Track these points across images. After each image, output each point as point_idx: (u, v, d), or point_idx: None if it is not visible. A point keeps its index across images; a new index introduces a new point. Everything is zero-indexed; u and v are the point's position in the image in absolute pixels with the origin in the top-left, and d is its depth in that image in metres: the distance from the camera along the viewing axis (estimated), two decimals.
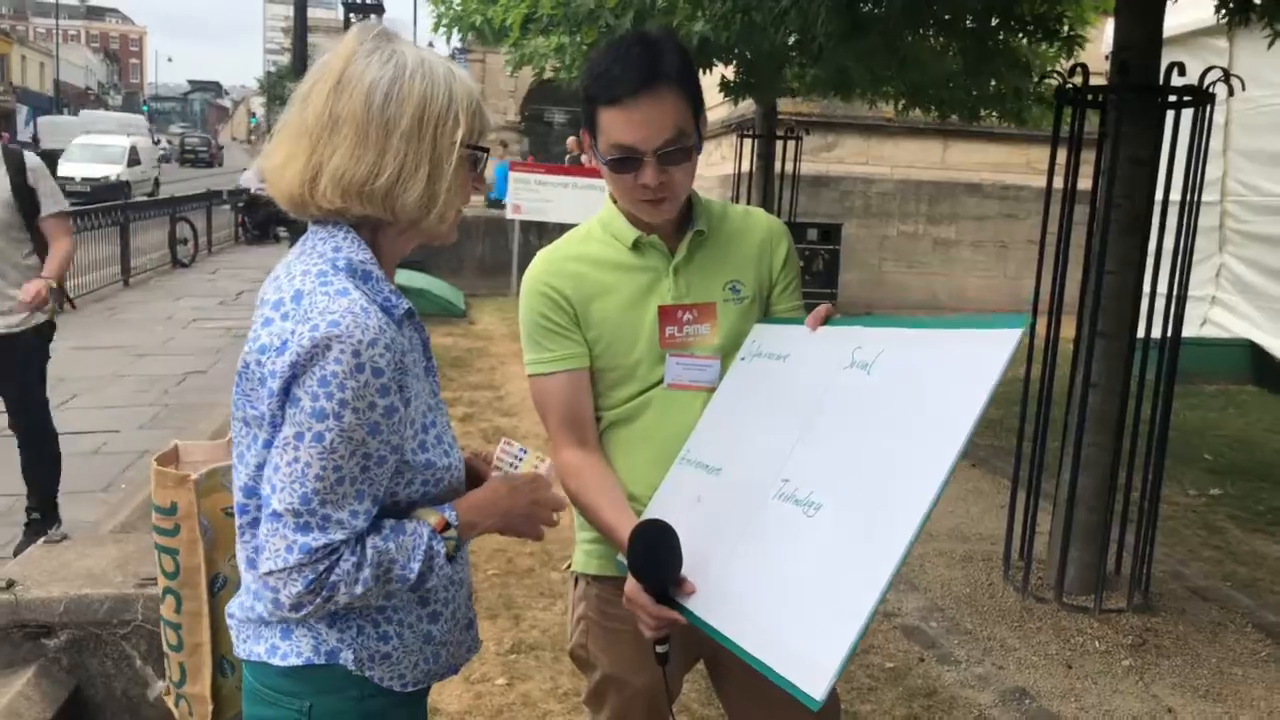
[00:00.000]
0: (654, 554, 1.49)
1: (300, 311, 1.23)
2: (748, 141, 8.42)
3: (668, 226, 1.77)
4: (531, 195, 12.51)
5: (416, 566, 1.30)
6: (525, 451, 1.52)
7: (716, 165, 13.87)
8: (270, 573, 1.25)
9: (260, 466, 1.29)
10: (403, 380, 1.27)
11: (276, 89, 58.93)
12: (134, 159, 27.01)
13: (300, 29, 13.23)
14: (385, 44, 1.33)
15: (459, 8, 6.41)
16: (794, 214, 8.81)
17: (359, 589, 1.26)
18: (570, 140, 18.23)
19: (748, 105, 9.32)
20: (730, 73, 7.37)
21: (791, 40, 5.69)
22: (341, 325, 1.20)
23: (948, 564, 4.49)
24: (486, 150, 1.38)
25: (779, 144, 8.45)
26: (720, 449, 1.70)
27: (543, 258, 1.80)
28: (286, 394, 1.22)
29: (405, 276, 11.41)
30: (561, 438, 1.77)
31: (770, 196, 8.34)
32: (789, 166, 8.67)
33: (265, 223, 17.63)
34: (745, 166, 8.61)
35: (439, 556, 1.32)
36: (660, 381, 1.77)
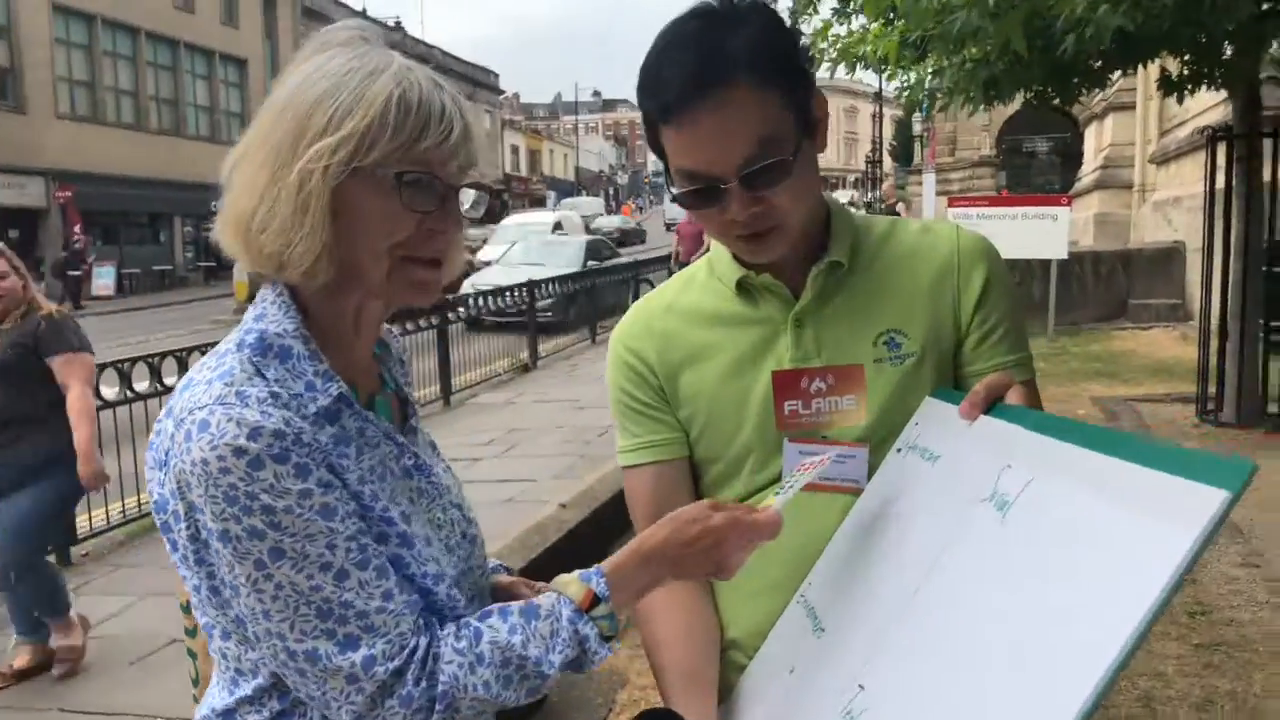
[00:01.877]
0: None
1: (179, 406, 1.00)
2: (1219, 151, 6.82)
3: (790, 259, 1.28)
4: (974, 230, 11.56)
5: (558, 659, 1.01)
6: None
7: (1194, 183, 11.64)
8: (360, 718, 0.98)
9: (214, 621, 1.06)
10: (330, 464, 0.99)
11: None
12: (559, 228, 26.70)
13: None
14: (334, 49, 1.05)
15: (834, 43, 6.00)
16: None
17: (479, 692, 0.98)
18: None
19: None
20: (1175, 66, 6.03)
21: (1265, 7, 4.42)
22: (211, 424, 0.95)
23: None
24: (395, 177, 1.01)
25: (1268, 146, 6.73)
26: (836, 595, 1.16)
27: (631, 311, 1.40)
28: (194, 521, 0.99)
29: None
30: None
31: (1258, 213, 6.65)
32: None
33: None
34: (1222, 181, 6.99)
35: (590, 641, 1.02)
36: (778, 478, 1.27)
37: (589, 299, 13.99)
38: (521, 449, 7.73)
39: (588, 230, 29.20)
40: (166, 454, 0.99)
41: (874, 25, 5.13)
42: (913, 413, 1.23)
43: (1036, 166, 34.43)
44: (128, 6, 28.47)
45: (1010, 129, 31.93)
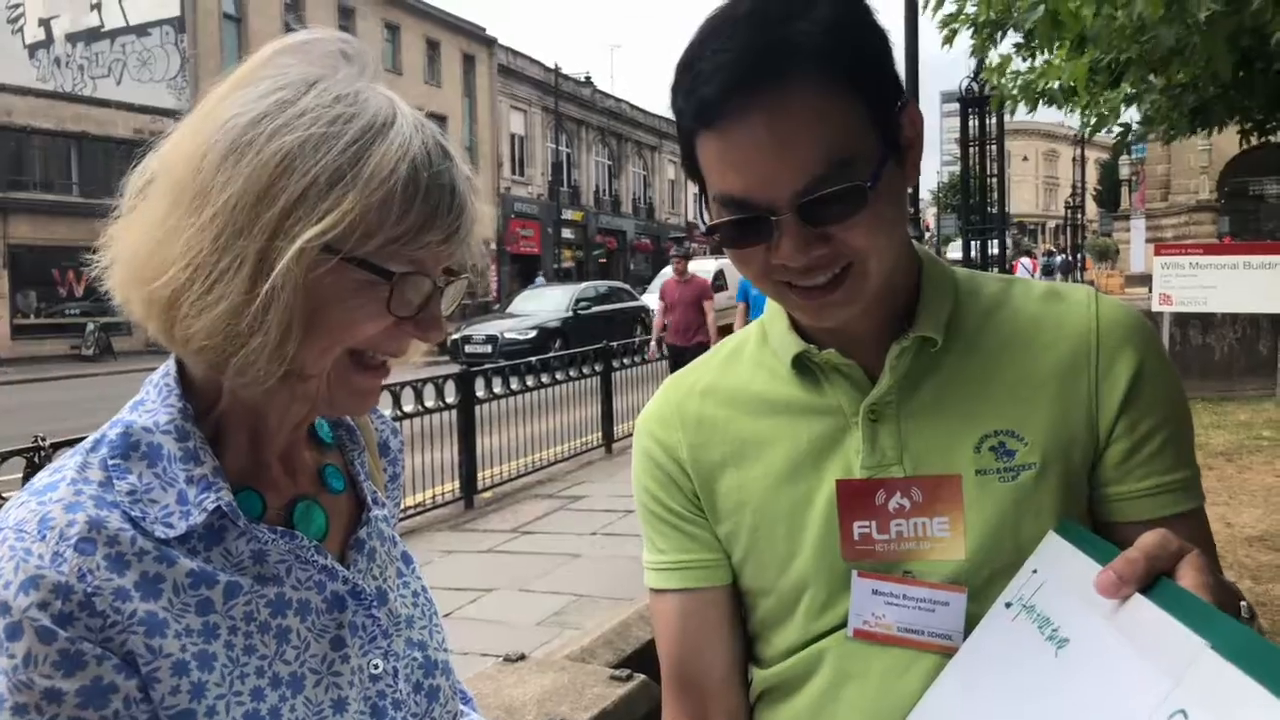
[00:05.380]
0: None
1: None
2: None
3: (865, 328, 0.97)
4: (1186, 282, 10.52)
5: None
6: None
7: None
8: None
9: None
10: (124, 637, 0.75)
11: (947, 199, 60.70)
12: (719, 285, 24.15)
13: (964, 139, 13.03)
14: (302, 67, 0.80)
15: (1014, 79, 5.48)
16: None
17: None
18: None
19: None
20: None
21: None
22: None
23: None
24: (385, 275, 0.79)
25: None
26: None
27: (661, 389, 1.12)
28: None
29: None
30: (670, 703, 1.05)
31: None
32: None
33: None
34: None
35: None
36: (843, 624, 0.96)
37: None
38: None
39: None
40: None
41: (1058, 53, 4.62)
42: (1029, 546, 0.89)
43: (1266, 211, 31.35)
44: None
45: (1234, 170, 29.45)
